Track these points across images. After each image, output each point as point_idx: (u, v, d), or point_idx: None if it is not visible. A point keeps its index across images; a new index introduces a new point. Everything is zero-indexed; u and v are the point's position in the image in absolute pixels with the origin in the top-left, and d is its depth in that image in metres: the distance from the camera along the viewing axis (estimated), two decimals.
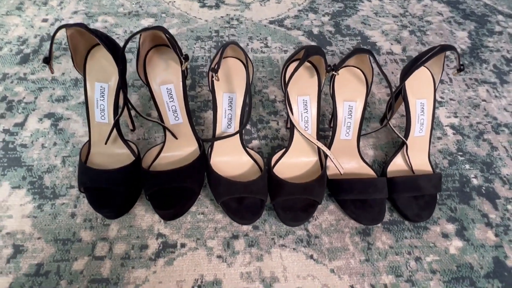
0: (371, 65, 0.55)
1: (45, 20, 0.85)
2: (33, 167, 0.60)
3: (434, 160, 0.65)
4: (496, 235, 0.56)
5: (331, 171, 0.58)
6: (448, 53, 0.81)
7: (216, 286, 0.49)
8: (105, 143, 0.53)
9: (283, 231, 0.55)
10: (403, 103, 0.59)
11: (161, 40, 0.52)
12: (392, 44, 0.86)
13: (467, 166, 0.65)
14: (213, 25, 0.87)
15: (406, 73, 0.57)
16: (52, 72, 0.47)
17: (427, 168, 0.60)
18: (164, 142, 0.56)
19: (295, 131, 0.56)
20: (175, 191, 0.52)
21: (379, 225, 0.56)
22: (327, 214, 0.57)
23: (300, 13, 0.91)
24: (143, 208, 0.56)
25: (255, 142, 0.65)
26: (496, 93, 0.77)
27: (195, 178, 0.53)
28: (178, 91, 0.53)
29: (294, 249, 0.53)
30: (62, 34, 0.82)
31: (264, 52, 0.82)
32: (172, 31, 0.84)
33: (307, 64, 0.57)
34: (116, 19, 0.87)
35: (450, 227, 0.57)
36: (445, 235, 0.56)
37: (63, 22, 0.85)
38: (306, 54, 0.49)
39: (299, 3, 0.94)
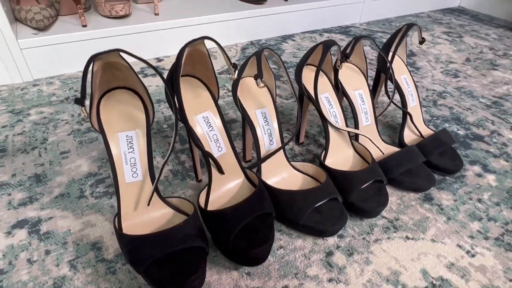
0: (365, 56, 0.62)
1: None
2: None
3: None
4: (506, 161, 0.65)
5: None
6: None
7: None
8: (148, 204, 0.42)
9: (366, 227, 0.51)
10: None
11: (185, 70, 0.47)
12: None
13: (447, 125, 0.75)
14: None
15: (386, 56, 0.66)
16: (87, 117, 0.37)
17: (429, 131, 0.67)
18: (209, 183, 0.47)
19: (330, 129, 0.56)
20: (254, 224, 0.43)
21: (432, 188, 0.58)
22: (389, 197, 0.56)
23: (239, 62, 0.97)
24: (213, 267, 0.44)
25: None
26: (420, 75, 0.95)
27: (269, 200, 0.45)
28: (216, 117, 0.47)
29: (388, 238, 0.50)
30: None
31: (230, 95, 0.82)
32: None
33: (312, 67, 0.60)
34: (53, 107, 0.74)
35: (476, 168, 0.63)
36: (479, 175, 0.62)
37: None
38: (327, 46, 0.52)
39: (233, 56, 1.01)
